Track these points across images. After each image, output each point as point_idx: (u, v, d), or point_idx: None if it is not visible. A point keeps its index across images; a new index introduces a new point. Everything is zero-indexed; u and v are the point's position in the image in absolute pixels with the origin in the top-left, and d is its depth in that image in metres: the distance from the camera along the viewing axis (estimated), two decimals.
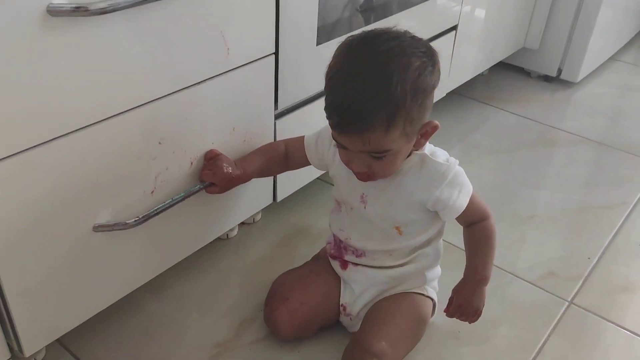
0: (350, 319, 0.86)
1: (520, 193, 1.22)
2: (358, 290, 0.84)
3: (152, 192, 0.76)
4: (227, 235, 1.05)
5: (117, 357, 0.84)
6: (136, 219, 0.72)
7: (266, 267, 1.00)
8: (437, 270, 0.88)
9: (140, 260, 0.81)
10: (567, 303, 0.96)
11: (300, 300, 0.83)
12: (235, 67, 0.80)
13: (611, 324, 0.93)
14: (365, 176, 0.74)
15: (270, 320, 0.84)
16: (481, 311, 0.82)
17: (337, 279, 0.87)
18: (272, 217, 1.11)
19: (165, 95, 0.72)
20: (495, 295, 0.94)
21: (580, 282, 1.01)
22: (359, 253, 0.84)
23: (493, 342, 0.89)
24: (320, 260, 0.92)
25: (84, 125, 0.65)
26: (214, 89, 0.78)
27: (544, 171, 1.31)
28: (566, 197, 1.22)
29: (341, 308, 0.86)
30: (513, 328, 0.91)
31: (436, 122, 0.73)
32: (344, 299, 0.86)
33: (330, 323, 0.88)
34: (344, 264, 0.85)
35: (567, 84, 1.67)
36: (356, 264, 0.84)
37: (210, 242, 0.94)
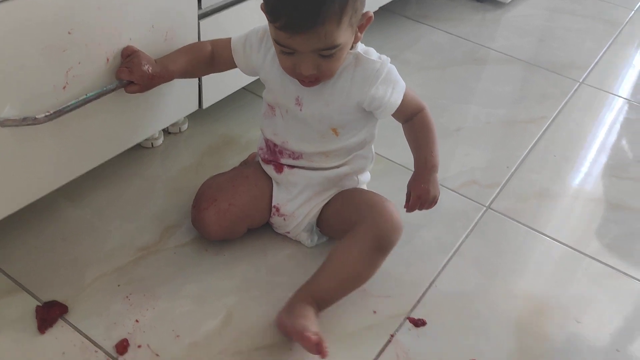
0: (284, 219, 0.87)
1: (449, 108, 1.25)
2: (295, 191, 0.85)
3: (64, 87, 0.72)
4: (152, 144, 1.02)
5: (36, 262, 0.82)
6: (47, 113, 0.69)
7: (193, 176, 0.98)
8: (367, 175, 0.90)
9: (55, 161, 0.77)
10: (484, 208, 1.01)
11: (229, 201, 0.83)
12: None
13: (524, 227, 0.98)
14: (314, 79, 0.73)
15: (198, 221, 0.84)
16: (438, 197, 0.83)
17: (268, 181, 0.87)
18: (199, 128, 1.09)
19: None
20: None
21: (498, 189, 1.05)
22: (295, 156, 0.83)
23: (413, 243, 0.93)
24: (249, 164, 0.91)
25: None
26: None
27: (472, 88, 1.33)
28: (492, 111, 1.25)
29: (274, 209, 0.86)
30: (433, 231, 0.95)
31: (371, 12, 0.72)
32: (277, 200, 0.86)
33: (259, 225, 0.88)
34: (279, 167, 0.85)
35: (498, 4, 1.68)
36: (292, 166, 0.84)
37: (135, 151, 0.92)
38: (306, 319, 0.72)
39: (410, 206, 0.83)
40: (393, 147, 1.08)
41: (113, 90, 0.76)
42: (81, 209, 0.91)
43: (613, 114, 1.32)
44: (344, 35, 0.69)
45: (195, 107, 0.98)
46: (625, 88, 1.41)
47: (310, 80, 0.73)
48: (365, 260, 0.78)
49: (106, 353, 0.73)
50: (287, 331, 0.74)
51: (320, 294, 0.77)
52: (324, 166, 0.83)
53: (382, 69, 0.76)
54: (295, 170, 0.84)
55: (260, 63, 0.80)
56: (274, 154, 0.85)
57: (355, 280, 0.79)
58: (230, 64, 0.84)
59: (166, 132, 1.05)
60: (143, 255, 0.85)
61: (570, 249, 0.95)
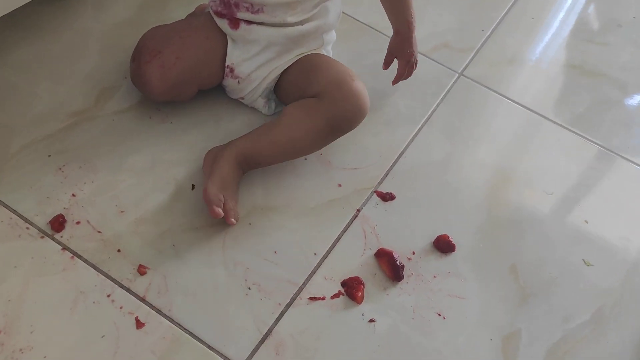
0: (239, 82, 0.76)
1: None
2: (253, 51, 0.74)
3: None
4: None
5: None
6: None
7: (131, 31, 0.85)
8: (333, 34, 0.80)
9: None
10: (457, 75, 0.93)
11: (176, 55, 0.71)
12: None
13: (496, 94, 0.92)
14: None
15: (139, 76, 0.72)
16: (416, 60, 0.82)
17: (222, 36, 0.75)
18: None
19: None
20: None
21: (472, 54, 0.97)
22: (255, 9, 0.71)
23: (382, 111, 0.85)
24: (199, 16, 0.79)
25: None
26: None
27: None
28: None
29: (227, 69, 0.76)
30: (403, 98, 0.87)
31: None
32: (231, 59, 0.75)
33: (210, 86, 0.78)
34: (235, 23, 0.73)
35: None
36: (250, 22, 0.73)
37: (62, 1, 0.77)
38: (220, 180, 0.68)
39: (398, 76, 0.81)
40: (359, 4, 0.97)
41: None
42: (1, 68, 0.77)
43: None
44: None
45: None
46: None
47: None
48: (314, 135, 0.71)
49: (39, 230, 0.65)
50: (205, 175, 0.71)
51: (253, 155, 0.71)
52: (287, 21, 0.72)
53: None
54: (254, 26, 0.73)
55: None
56: (229, 6, 0.73)
57: (296, 151, 0.73)
58: None
59: None
60: (76, 122, 0.74)
61: (542, 118, 0.90)
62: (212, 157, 0.71)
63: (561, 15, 1.10)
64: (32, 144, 0.71)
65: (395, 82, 0.83)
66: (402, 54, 0.80)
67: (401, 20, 0.77)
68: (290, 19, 0.72)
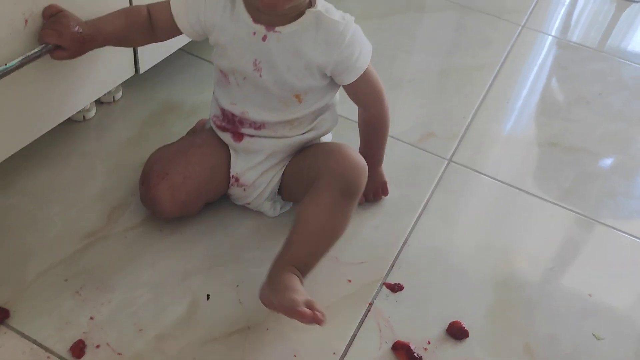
0: (244, 189, 0.80)
1: (396, 57, 1.20)
2: (257, 160, 0.78)
3: None
4: (84, 117, 0.91)
5: None
6: None
7: (135, 149, 0.89)
8: (329, 136, 0.85)
9: None
10: (446, 161, 0.98)
11: (183, 174, 0.75)
12: None
13: (486, 177, 0.97)
14: None
15: (149, 199, 0.75)
16: (386, 188, 0.88)
17: (224, 148, 0.79)
18: (135, 96, 0.98)
19: None
20: None
21: (457, 140, 1.02)
22: (257, 126, 0.76)
23: (380, 203, 0.89)
24: (200, 132, 0.83)
25: None
26: None
27: (417, 36, 1.29)
28: (441, 60, 1.22)
29: (232, 179, 0.79)
30: (399, 189, 0.91)
31: None
32: (236, 169, 0.78)
33: (217, 197, 0.81)
34: (239, 136, 0.77)
35: None
36: (253, 135, 0.77)
37: (66, 127, 0.81)
38: (292, 291, 0.65)
39: (368, 200, 0.88)
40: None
41: (37, 57, 0.66)
42: (13, 196, 0.80)
43: (550, 56, 1.32)
44: None
45: (131, 72, 0.88)
46: (564, 30, 1.41)
47: None
48: (335, 210, 0.71)
49: (60, 358, 0.65)
50: (275, 309, 0.66)
51: (299, 259, 0.70)
52: (288, 135, 0.77)
53: (347, 30, 0.69)
54: (257, 139, 0.77)
55: (209, 23, 0.71)
56: (233, 123, 0.77)
57: (330, 234, 0.72)
58: (172, 30, 0.74)
59: (98, 102, 0.94)
60: (90, 243, 0.76)
61: (532, 196, 0.94)
62: (270, 292, 0.68)
63: (534, 97, 1.17)
64: (48, 270, 0.72)
65: (368, 201, 0.88)
66: (369, 186, 0.81)
67: (372, 155, 0.82)
68: (291, 133, 0.77)
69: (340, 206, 0.71)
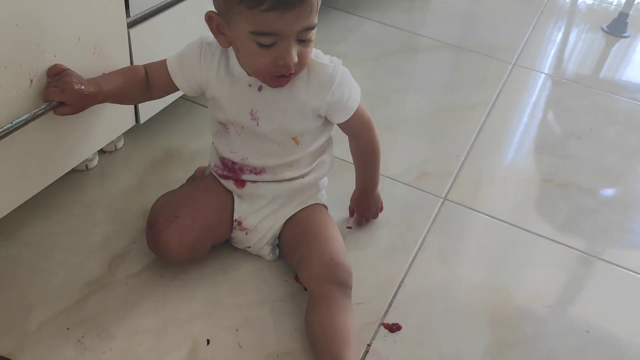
0: (247, 233, 0.82)
1: (392, 99, 1.23)
2: (259, 204, 0.81)
3: None
4: (87, 166, 0.94)
5: None
6: None
7: (136, 196, 0.91)
8: (325, 180, 0.88)
9: None
10: (441, 200, 1.00)
11: (192, 217, 0.77)
12: None
13: (481, 215, 0.98)
14: (294, 69, 0.67)
15: (158, 243, 0.77)
16: (382, 206, 0.92)
17: (228, 194, 0.82)
18: (136, 144, 1.01)
19: None
20: None
21: (452, 179, 1.05)
22: (257, 171, 0.79)
23: (377, 243, 0.90)
24: (202, 178, 0.86)
25: None
26: None
27: (411, 76, 1.32)
28: (434, 99, 1.25)
29: (235, 223, 0.81)
30: (394, 229, 0.93)
31: None
32: (239, 213, 0.81)
33: (221, 241, 0.83)
34: (241, 183, 0.80)
35: None
36: (255, 181, 0.79)
37: (68, 176, 0.83)
38: None
39: (358, 224, 0.92)
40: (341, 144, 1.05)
41: (42, 114, 0.68)
42: (16, 247, 0.82)
43: (541, 93, 1.35)
44: (316, 16, 0.66)
45: (132, 122, 0.90)
46: (556, 67, 1.45)
47: (291, 72, 0.67)
48: (339, 316, 0.72)
49: None
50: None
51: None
52: (288, 177, 0.79)
53: (336, 73, 0.73)
54: (259, 184, 0.80)
55: (204, 79, 0.74)
56: (234, 171, 0.80)
57: (349, 338, 0.70)
58: (169, 87, 0.77)
59: (100, 151, 0.97)
60: (92, 291, 0.78)
61: (527, 232, 0.96)
62: None
63: (526, 134, 1.20)
64: (50, 320, 0.74)
65: (358, 225, 0.92)
66: (359, 207, 0.91)
67: (365, 179, 0.88)
68: (291, 174, 0.79)
69: (342, 310, 0.73)
